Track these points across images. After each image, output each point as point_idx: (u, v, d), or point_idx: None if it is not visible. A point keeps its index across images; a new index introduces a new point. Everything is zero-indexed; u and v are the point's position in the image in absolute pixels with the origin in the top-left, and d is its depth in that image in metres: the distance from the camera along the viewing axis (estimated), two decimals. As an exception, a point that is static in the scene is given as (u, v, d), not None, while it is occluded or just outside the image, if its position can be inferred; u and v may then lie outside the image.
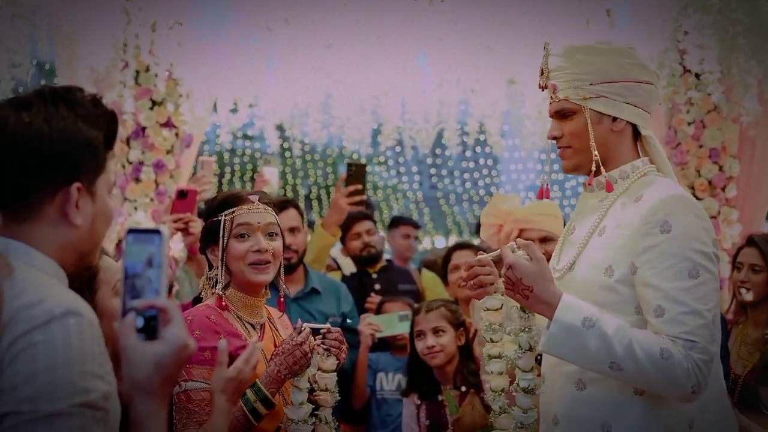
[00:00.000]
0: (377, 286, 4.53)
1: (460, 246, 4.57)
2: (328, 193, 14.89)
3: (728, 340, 3.55)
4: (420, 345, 3.42)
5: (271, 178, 4.53)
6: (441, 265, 4.41)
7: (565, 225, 3.74)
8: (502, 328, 2.28)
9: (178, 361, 1.37)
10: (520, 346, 2.22)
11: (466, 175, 17.10)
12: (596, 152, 2.15)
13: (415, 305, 4.01)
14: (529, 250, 2.09)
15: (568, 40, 2.24)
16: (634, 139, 2.23)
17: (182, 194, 3.36)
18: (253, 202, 2.32)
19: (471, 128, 6.50)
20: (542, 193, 2.31)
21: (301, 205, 15.40)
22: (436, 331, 3.39)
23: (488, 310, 2.30)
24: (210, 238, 2.34)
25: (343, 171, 16.08)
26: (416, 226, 6.20)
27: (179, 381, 2.09)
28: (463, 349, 3.44)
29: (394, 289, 4.55)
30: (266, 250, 2.30)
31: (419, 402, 3.47)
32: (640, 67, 2.17)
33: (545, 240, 3.52)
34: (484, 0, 4.83)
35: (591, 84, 2.13)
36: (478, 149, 6.32)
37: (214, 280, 2.32)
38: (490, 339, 2.29)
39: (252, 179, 14.32)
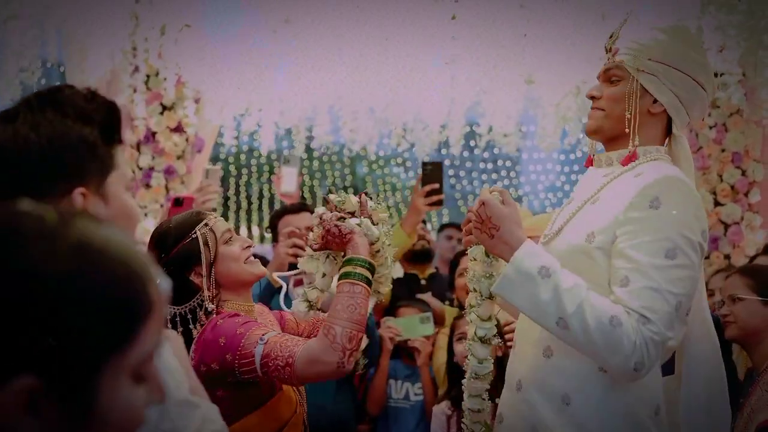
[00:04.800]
0: (429, 293, 4.45)
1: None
2: (346, 194, 14.83)
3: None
4: (460, 347, 3.32)
5: (288, 177, 4.42)
6: (449, 270, 4.32)
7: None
8: (488, 262, 2.18)
9: None
10: (479, 292, 2.16)
11: (485, 176, 17.02)
12: (635, 125, 2.11)
13: (428, 311, 3.95)
14: (504, 195, 2.07)
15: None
16: (664, 133, 2.17)
17: (178, 202, 3.28)
18: (213, 214, 2.35)
19: (486, 129, 6.43)
20: (589, 162, 2.29)
21: (319, 205, 15.46)
22: None
23: (475, 260, 2.22)
24: (188, 262, 2.25)
25: (361, 172, 15.92)
26: (461, 228, 6.14)
27: (256, 343, 2.08)
28: (499, 361, 3.37)
29: (443, 296, 4.47)
30: (251, 246, 2.35)
31: (450, 412, 3.40)
32: (704, 70, 2.13)
33: None
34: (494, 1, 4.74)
35: (650, 59, 2.09)
36: (497, 150, 6.25)
37: (198, 302, 2.26)
38: (474, 288, 2.21)
39: (269, 180, 14.34)
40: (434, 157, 8.17)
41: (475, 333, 2.16)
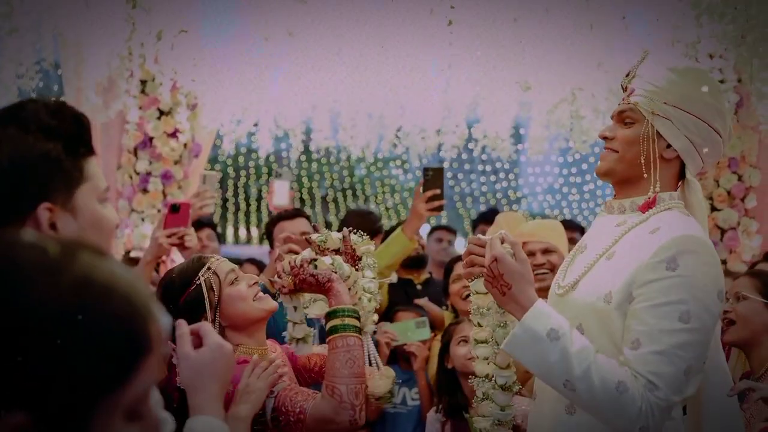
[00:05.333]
0: (426, 298, 4.45)
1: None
2: (345, 196, 14.87)
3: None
4: (464, 350, 3.31)
5: (280, 190, 4.45)
6: (443, 276, 4.32)
7: (570, 240, 3.70)
8: (490, 312, 2.21)
9: (222, 360, 1.64)
10: (496, 342, 2.16)
11: (483, 179, 17.00)
12: (656, 172, 2.08)
13: (424, 316, 3.95)
14: (516, 248, 2.05)
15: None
16: (677, 177, 2.14)
17: (174, 208, 3.28)
18: (214, 256, 2.37)
19: (484, 131, 6.44)
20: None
21: (318, 207, 15.45)
22: None
23: (478, 293, 2.23)
24: (197, 309, 2.25)
25: (360, 174, 15.93)
26: (450, 230, 6.15)
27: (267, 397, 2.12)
28: None
29: (440, 301, 4.48)
30: (257, 282, 2.34)
31: (444, 419, 3.39)
32: (720, 116, 2.10)
33: (547, 251, 3.48)
34: (494, 6, 4.73)
35: (665, 103, 2.07)
36: (494, 153, 6.26)
37: None
38: (478, 323, 2.23)
39: (268, 182, 14.35)
40: (432, 159, 8.18)
41: (495, 381, 2.17)
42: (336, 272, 2.24)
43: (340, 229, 2.49)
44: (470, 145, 6.55)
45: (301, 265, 2.25)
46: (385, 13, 5.08)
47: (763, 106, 4.14)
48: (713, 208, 4.64)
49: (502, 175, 15.96)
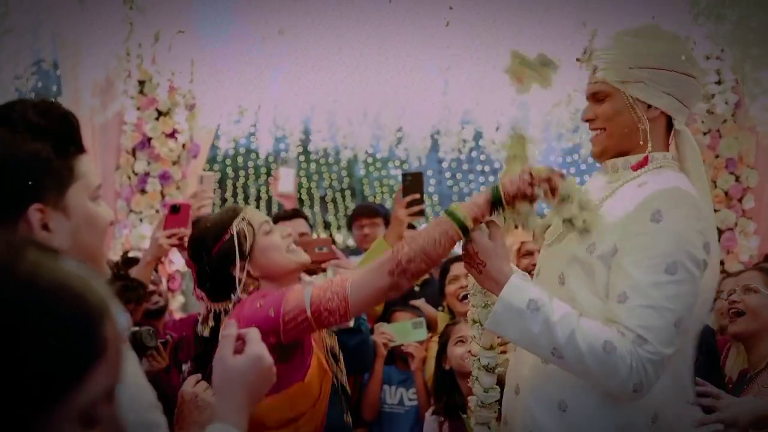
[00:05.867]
0: (422, 299, 4.45)
1: (459, 258, 4.48)
2: (343, 196, 14.87)
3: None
4: (460, 350, 3.32)
5: (285, 177, 4.42)
6: (439, 277, 4.33)
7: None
8: (483, 292, 2.22)
9: (257, 373, 1.55)
10: (480, 323, 2.18)
11: (482, 178, 17.00)
12: (648, 133, 2.07)
13: (421, 317, 3.95)
14: (493, 227, 2.07)
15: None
16: (666, 132, 2.13)
17: (174, 209, 3.28)
18: (248, 208, 2.36)
19: (482, 130, 6.45)
20: None
21: (317, 207, 15.41)
22: None
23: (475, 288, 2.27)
24: (230, 259, 2.26)
25: (358, 174, 15.85)
26: None
27: (303, 302, 2.05)
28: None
29: (437, 302, 4.48)
30: (291, 234, 2.37)
31: (442, 419, 3.40)
32: (686, 59, 2.09)
33: None
34: (491, 5, 4.74)
35: (631, 68, 2.06)
36: (492, 154, 6.27)
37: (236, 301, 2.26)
38: (473, 320, 2.25)
39: (267, 182, 14.34)
40: (430, 160, 8.18)
41: (479, 361, 2.18)
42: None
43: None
44: (469, 146, 6.56)
45: None
46: (384, 13, 5.08)
47: (756, 107, 4.15)
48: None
49: (500, 175, 15.95)
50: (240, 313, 2.13)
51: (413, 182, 3.77)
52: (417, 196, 3.74)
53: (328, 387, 2.33)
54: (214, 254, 2.27)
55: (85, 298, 0.87)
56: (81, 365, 0.84)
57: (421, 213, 3.80)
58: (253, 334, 1.62)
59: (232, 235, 2.28)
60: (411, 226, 4.37)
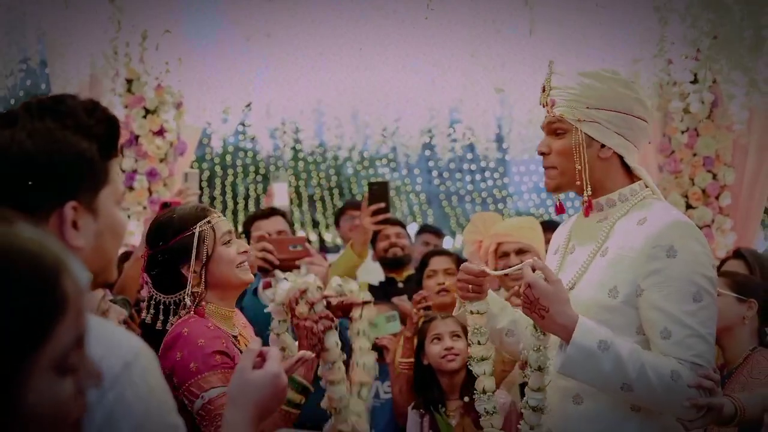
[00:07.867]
0: (404, 296, 4.51)
1: (438, 252, 4.52)
2: (332, 195, 14.93)
3: None
4: (437, 348, 3.37)
5: (279, 192, 4.54)
6: (417, 270, 4.40)
7: (545, 238, 3.76)
8: (487, 331, 2.33)
9: (271, 390, 1.62)
10: (530, 366, 2.22)
11: (469, 177, 17.09)
12: (586, 175, 2.19)
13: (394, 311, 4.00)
14: (546, 272, 2.10)
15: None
16: (624, 168, 2.24)
17: (166, 206, 3.35)
18: (217, 212, 2.38)
19: (470, 131, 6.50)
20: (559, 209, 2.40)
21: (305, 205, 15.40)
22: (453, 336, 3.38)
23: (474, 313, 2.35)
24: (183, 256, 2.30)
25: (347, 173, 15.87)
26: (438, 234, 6.21)
27: (199, 394, 2.10)
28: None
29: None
30: (247, 252, 2.40)
31: (423, 413, 3.45)
32: (639, 103, 2.20)
33: (521, 252, 3.54)
34: (473, 5, 4.79)
35: (587, 107, 2.16)
36: (480, 152, 6.32)
37: (182, 296, 2.30)
38: (477, 341, 2.34)
39: (255, 180, 14.38)
40: (419, 158, 8.24)
41: (527, 403, 2.22)
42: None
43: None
44: (456, 145, 6.62)
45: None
46: (370, 13, 5.13)
47: (734, 106, 4.23)
48: (688, 206, 4.72)
49: (488, 174, 16.03)
50: (169, 338, 2.19)
51: (379, 191, 3.87)
52: (382, 205, 3.84)
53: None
54: (170, 245, 2.30)
55: (41, 256, 0.94)
56: (46, 320, 0.93)
57: (387, 221, 3.91)
58: (274, 353, 1.68)
59: (193, 234, 2.30)
60: (375, 235, 4.46)
